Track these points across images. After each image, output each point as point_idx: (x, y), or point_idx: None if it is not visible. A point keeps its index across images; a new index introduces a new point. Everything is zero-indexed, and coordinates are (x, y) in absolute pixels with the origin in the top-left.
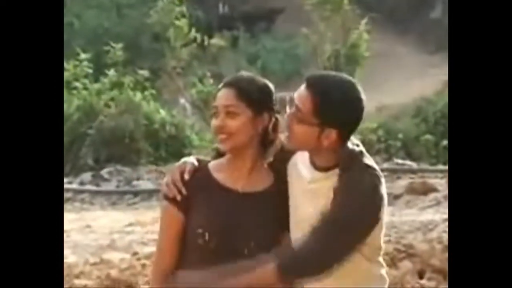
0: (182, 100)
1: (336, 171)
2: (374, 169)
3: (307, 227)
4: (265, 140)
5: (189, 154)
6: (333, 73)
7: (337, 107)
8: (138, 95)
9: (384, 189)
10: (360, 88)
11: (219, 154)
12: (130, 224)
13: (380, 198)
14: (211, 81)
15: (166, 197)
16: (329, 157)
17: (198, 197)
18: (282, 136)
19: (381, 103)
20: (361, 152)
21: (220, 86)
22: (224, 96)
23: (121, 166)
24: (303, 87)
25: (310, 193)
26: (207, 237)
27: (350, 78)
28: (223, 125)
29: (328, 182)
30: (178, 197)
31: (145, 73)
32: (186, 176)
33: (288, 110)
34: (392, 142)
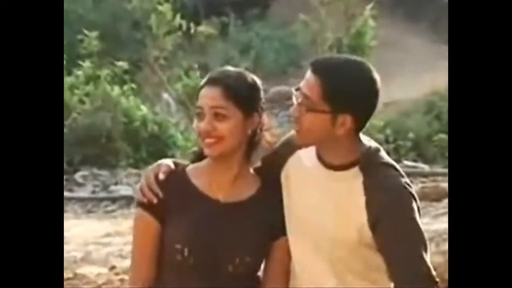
0: (165, 95)
1: (353, 171)
2: (396, 167)
3: (316, 234)
4: (252, 142)
5: (173, 156)
6: (338, 55)
7: (349, 90)
8: (116, 90)
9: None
10: (372, 68)
11: (199, 157)
12: (108, 235)
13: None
14: (198, 73)
15: (140, 203)
16: (343, 152)
17: (175, 204)
18: (269, 136)
19: (389, 99)
20: (378, 149)
21: (203, 82)
22: (210, 96)
23: (97, 169)
24: (309, 73)
25: (320, 195)
26: (186, 253)
27: (359, 58)
28: (211, 129)
29: (343, 184)
30: (155, 200)
31: (124, 65)
32: (161, 176)
33: (293, 102)
34: (401, 142)
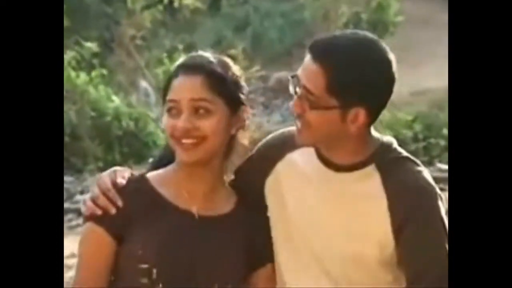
0: (143, 84)
1: (368, 170)
2: (415, 161)
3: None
4: (231, 146)
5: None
6: (340, 33)
7: (360, 78)
8: (83, 77)
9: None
10: (384, 46)
11: (159, 163)
12: (72, 255)
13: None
14: (184, 56)
15: (91, 217)
16: (353, 150)
17: (137, 217)
18: (245, 139)
19: (419, 87)
20: (392, 142)
21: (173, 70)
22: (188, 86)
23: None
24: (308, 60)
25: (325, 204)
26: (154, 275)
27: (367, 34)
28: (191, 127)
29: (359, 186)
30: (112, 211)
31: (92, 46)
32: (121, 181)
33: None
34: (433, 140)
